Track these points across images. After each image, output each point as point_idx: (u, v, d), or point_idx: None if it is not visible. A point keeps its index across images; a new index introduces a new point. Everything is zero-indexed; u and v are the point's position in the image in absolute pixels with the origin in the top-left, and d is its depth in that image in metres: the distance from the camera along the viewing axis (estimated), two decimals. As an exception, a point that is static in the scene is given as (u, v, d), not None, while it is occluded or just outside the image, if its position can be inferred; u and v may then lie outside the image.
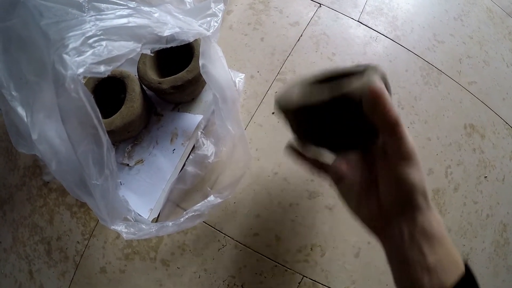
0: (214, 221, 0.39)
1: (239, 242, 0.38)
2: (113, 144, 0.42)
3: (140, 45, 0.26)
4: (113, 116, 0.37)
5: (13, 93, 0.35)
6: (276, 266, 0.38)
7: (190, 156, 0.39)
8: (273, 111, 0.43)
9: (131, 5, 0.31)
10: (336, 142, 0.26)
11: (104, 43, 0.25)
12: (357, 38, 0.48)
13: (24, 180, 0.45)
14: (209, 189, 0.39)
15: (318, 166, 0.31)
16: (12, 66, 0.35)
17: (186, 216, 0.34)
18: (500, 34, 0.55)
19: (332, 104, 0.23)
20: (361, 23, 0.49)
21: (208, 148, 0.38)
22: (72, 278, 0.40)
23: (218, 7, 0.35)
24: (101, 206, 0.31)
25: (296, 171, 0.40)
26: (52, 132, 0.33)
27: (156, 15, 0.29)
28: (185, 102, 0.43)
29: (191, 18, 0.33)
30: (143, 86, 0.40)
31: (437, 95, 0.46)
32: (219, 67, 0.34)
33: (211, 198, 0.36)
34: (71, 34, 0.25)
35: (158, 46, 0.28)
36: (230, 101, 0.35)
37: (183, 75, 0.38)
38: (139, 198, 0.39)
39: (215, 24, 0.34)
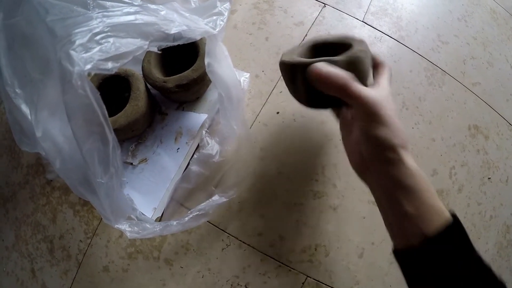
0: (218, 220, 0.39)
1: (243, 242, 0.38)
2: (117, 143, 0.42)
3: (147, 42, 0.26)
4: (117, 114, 0.37)
5: (17, 90, 0.35)
6: (280, 266, 0.38)
7: (195, 155, 0.39)
8: (278, 111, 0.43)
9: (136, 3, 0.31)
10: (319, 101, 0.30)
11: (111, 40, 0.24)
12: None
13: (27, 179, 0.45)
14: (213, 188, 0.39)
15: None
16: (16, 63, 0.35)
17: (191, 216, 0.34)
18: (504, 35, 0.55)
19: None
20: (365, 23, 0.49)
21: (212, 147, 0.38)
22: (75, 277, 0.40)
23: (224, 6, 0.35)
24: (105, 204, 0.31)
25: (300, 171, 0.40)
26: (56, 130, 0.33)
27: (162, 12, 0.29)
28: (189, 101, 0.43)
29: (197, 16, 0.33)
30: (148, 84, 0.40)
31: (441, 96, 0.46)
32: (224, 66, 0.34)
33: (216, 197, 0.36)
34: (78, 30, 0.25)
35: (165, 44, 0.28)
36: (235, 100, 0.35)
37: (188, 74, 0.38)
38: (143, 197, 0.39)
39: (221, 23, 0.34)
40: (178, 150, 0.40)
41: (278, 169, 0.41)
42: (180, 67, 0.39)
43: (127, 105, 0.37)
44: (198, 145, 0.40)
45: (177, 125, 0.41)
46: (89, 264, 0.40)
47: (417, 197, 0.24)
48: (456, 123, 0.46)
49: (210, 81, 0.41)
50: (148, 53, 0.41)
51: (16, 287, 0.42)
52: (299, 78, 0.29)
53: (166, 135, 0.41)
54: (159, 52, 0.29)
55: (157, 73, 0.39)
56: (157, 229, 0.33)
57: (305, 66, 0.28)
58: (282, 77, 0.35)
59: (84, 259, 0.40)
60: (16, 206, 0.44)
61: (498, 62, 0.52)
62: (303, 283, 0.38)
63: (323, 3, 0.49)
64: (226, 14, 0.35)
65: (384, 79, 0.29)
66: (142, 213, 0.38)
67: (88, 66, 0.23)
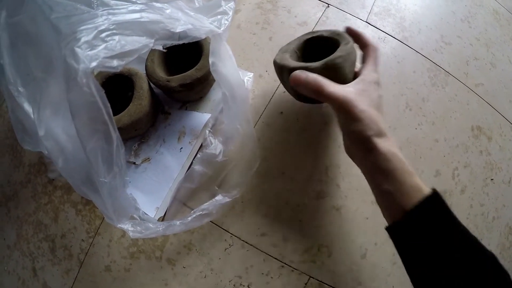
0: (221, 220, 0.39)
1: (246, 242, 0.38)
2: (120, 142, 0.42)
3: (152, 40, 0.26)
4: (121, 113, 0.37)
5: (20, 89, 0.35)
6: (283, 266, 0.38)
7: (198, 155, 0.39)
8: (281, 111, 0.43)
9: (140, 1, 0.31)
10: (305, 97, 0.33)
11: (116, 37, 0.24)
12: (365, 38, 0.48)
13: (29, 178, 0.45)
14: (216, 188, 0.39)
15: None
16: (20, 62, 0.35)
17: (194, 215, 0.34)
18: (507, 36, 0.55)
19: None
20: (369, 23, 0.48)
21: (216, 147, 0.38)
22: (76, 276, 0.40)
23: (229, 5, 0.35)
24: (108, 204, 0.31)
25: (304, 171, 0.40)
26: (58, 129, 0.33)
27: (168, 11, 0.29)
28: (193, 101, 0.43)
29: (201, 15, 0.33)
30: (151, 84, 0.40)
31: (445, 97, 0.46)
32: (229, 65, 0.34)
33: (219, 197, 0.35)
34: (83, 28, 0.25)
35: (171, 42, 0.28)
36: (239, 99, 0.35)
37: (192, 73, 0.38)
38: (146, 197, 0.39)
39: (226, 22, 0.34)
40: (181, 149, 0.40)
41: (282, 169, 0.40)
42: (184, 66, 0.39)
43: (131, 104, 0.37)
44: (201, 144, 0.40)
45: (180, 125, 0.41)
46: (91, 263, 0.40)
47: (393, 177, 0.27)
48: (459, 124, 0.46)
49: (213, 81, 0.41)
50: (152, 52, 0.40)
51: (17, 286, 0.42)
52: (287, 77, 0.33)
53: (169, 135, 0.41)
54: (164, 50, 0.29)
55: (160, 72, 0.39)
56: (160, 228, 0.33)
57: (290, 69, 0.32)
58: None
59: (86, 258, 0.40)
60: (18, 205, 0.44)
61: (501, 63, 0.52)
62: (305, 284, 0.37)
63: (327, 3, 0.49)
64: (230, 13, 0.34)
65: (370, 63, 0.32)
66: (144, 213, 0.37)
67: (94, 64, 0.23)
